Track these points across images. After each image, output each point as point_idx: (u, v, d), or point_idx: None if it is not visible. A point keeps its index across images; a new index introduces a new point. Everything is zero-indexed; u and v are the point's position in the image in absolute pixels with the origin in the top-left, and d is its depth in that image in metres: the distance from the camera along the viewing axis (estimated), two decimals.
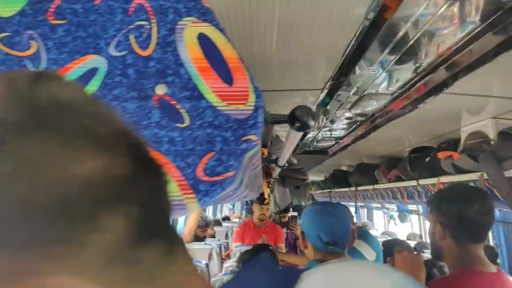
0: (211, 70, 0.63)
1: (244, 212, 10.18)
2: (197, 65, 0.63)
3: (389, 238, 4.67)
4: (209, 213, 7.77)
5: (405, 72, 1.69)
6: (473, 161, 1.92)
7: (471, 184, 2.10)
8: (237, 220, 8.14)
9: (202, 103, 0.64)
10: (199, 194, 0.62)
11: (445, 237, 1.49)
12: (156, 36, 0.63)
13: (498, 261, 3.36)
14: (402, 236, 5.79)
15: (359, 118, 2.80)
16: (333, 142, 3.99)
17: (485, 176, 1.84)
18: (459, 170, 2.17)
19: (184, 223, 4.43)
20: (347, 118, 2.84)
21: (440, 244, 1.51)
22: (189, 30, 0.63)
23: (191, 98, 0.64)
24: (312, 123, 0.72)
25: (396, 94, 2.01)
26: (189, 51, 0.63)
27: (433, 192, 2.57)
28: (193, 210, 0.64)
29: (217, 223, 6.66)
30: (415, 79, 1.74)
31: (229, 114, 0.64)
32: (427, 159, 2.77)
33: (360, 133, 3.36)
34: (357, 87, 1.88)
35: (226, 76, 0.63)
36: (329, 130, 3.38)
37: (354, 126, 3.14)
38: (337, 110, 2.50)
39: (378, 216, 7.83)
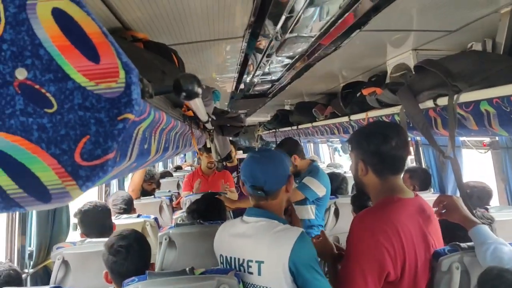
0: (73, 48, 0.59)
1: (196, 159, 10.22)
2: (57, 44, 0.58)
3: (334, 170, 4.87)
4: (159, 164, 7.72)
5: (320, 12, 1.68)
6: (393, 95, 2.00)
7: (395, 116, 2.20)
8: (189, 168, 8.14)
9: (69, 84, 0.59)
10: (80, 180, 0.60)
11: (367, 173, 1.56)
12: (4, 15, 0.57)
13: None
14: (346, 167, 6.08)
15: (290, 61, 2.79)
16: (271, 85, 4.00)
17: (404, 109, 1.92)
18: (384, 104, 2.25)
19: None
20: (278, 61, 2.82)
21: (362, 179, 1.60)
22: (42, 6, 0.57)
23: (56, 80, 0.59)
24: (199, 90, 0.70)
25: (319, 34, 2.00)
26: (45, 29, 0.58)
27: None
28: (77, 196, 0.62)
29: (168, 174, 6.63)
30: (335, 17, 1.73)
31: (100, 94, 0.60)
32: (358, 94, 2.84)
33: (295, 73, 3.37)
34: (277, 31, 1.85)
35: (91, 53, 0.59)
36: (264, 74, 3.37)
37: (287, 67, 3.14)
38: (264, 56, 2.47)
39: (324, 149, 8.13)
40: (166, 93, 0.71)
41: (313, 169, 3.09)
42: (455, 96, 1.53)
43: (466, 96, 1.49)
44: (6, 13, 0.57)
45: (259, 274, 1.47)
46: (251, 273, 1.49)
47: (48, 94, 0.59)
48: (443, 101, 1.62)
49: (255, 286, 1.50)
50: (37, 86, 0.59)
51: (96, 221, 2.36)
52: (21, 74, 0.59)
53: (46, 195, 0.60)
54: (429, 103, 1.72)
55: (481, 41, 1.75)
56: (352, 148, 1.62)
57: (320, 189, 3.00)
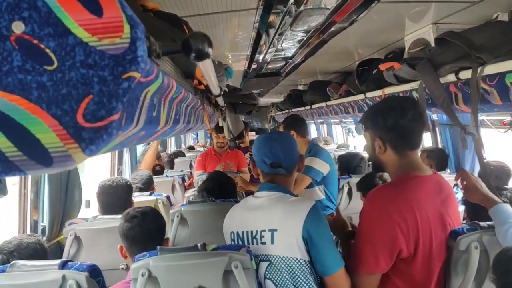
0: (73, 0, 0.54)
1: (208, 140, 10.23)
2: None
3: (344, 151, 4.80)
4: (172, 144, 7.73)
5: None
6: (412, 70, 1.92)
7: (414, 92, 2.13)
8: (201, 149, 8.14)
9: (69, 39, 0.55)
10: (83, 143, 0.56)
11: (386, 150, 1.51)
12: None
13: None
14: (360, 147, 6.00)
15: (305, 35, 2.71)
16: (284, 63, 3.92)
17: (424, 84, 1.85)
18: (402, 80, 2.18)
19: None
20: (292, 36, 2.75)
21: (381, 157, 1.55)
22: None
23: (56, 35, 0.55)
24: (209, 50, 0.65)
25: (335, 6, 1.93)
26: None
27: None
28: (81, 161, 0.58)
29: (180, 153, 6.64)
30: None
31: (103, 50, 0.56)
32: (374, 72, 2.76)
33: (309, 50, 3.29)
34: (291, 3, 1.78)
35: (93, 5, 0.55)
36: (277, 51, 3.30)
37: (301, 44, 3.06)
38: (279, 29, 2.40)
39: (337, 130, 8.03)
40: (175, 53, 0.66)
41: (312, 148, 3.03)
42: (479, 69, 1.45)
43: (491, 68, 1.42)
44: None
45: (272, 242, 1.46)
46: (264, 243, 1.48)
47: (47, 50, 0.55)
48: (465, 74, 1.55)
49: (268, 256, 1.49)
50: (35, 41, 0.55)
51: (115, 197, 2.33)
52: (18, 27, 0.54)
53: (47, 159, 0.56)
54: (451, 77, 1.64)
55: (507, 11, 1.66)
56: (367, 127, 1.57)
57: (324, 166, 2.93)
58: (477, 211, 1.61)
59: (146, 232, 1.68)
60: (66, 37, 0.55)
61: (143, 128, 0.76)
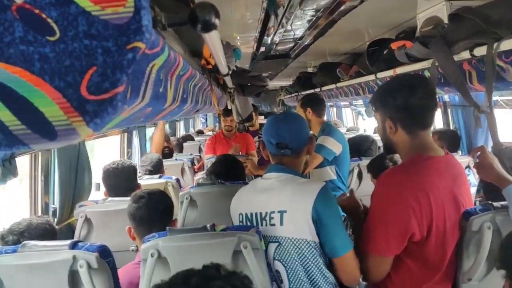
0: None
1: (217, 124, 10.23)
2: None
3: (354, 134, 4.76)
4: (181, 128, 7.75)
5: None
6: (425, 48, 1.87)
7: (426, 72, 2.09)
8: (210, 133, 8.15)
9: (71, 9, 0.53)
10: (87, 116, 0.55)
11: (397, 130, 1.48)
12: None
13: None
14: (370, 130, 5.95)
15: (314, 14, 2.67)
16: (293, 44, 3.87)
17: (437, 62, 1.80)
18: (413, 59, 2.13)
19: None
20: (302, 16, 2.70)
21: (392, 138, 1.51)
22: None
23: (58, 4, 0.53)
24: (216, 21, 0.63)
25: None
26: None
27: None
28: (86, 134, 0.57)
29: (190, 137, 6.65)
30: None
31: (106, 20, 0.54)
32: (385, 52, 2.71)
33: (319, 31, 3.24)
34: None
35: None
36: (286, 32, 3.25)
37: (311, 24, 3.01)
38: (287, 8, 2.36)
39: (347, 113, 7.96)
40: (181, 24, 0.64)
41: (325, 128, 3.00)
42: (495, 44, 1.41)
43: (508, 44, 1.37)
44: None
45: (281, 224, 1.45)
46: (273, 224, 1.47)
47: (49, 20, 0.53)
48: (480, 51, 1.50)
49: (277, 237, 1.48)
50: (37, 11, 0.53)
51: (120, 180, 2.35)
52: None
53: (51, 132, 0.55)
54: (465, 54, 1.60)
55: None
56: (377, 108, 1.54)
57: (336, 146, 2.90)
58: (493, 192, 1.58)
59: (153, 212, 1.69)
60: (68, 6, 0.53)
61: (149, 103, 0.74)
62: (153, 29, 0.60)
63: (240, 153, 4.04)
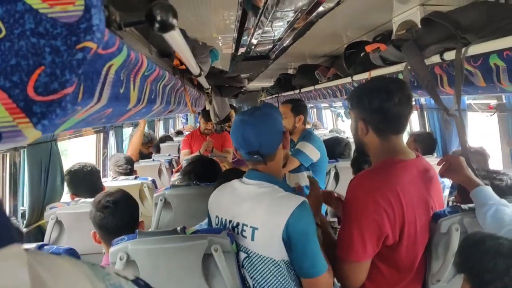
0: None
1: (198, 124, 10.15)
2: None
3: (333, 135, 4.79)
4: (160, 128, 7.67)
5: None
6: (398, 52, 1.89)
7: (399, 75, 2.11)
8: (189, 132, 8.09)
9: (18, 6, 0.51)
10: (34, 118, 0.53)
11: (368, 132, 1.48)
12: None
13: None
14: (349, 132, 5.99)
15: (292, 16, 2.67)
16: (272, 45, 3.87)
17: (409, 66, 1.82)
18: (389, 62, 2.15)
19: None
20: (280, 17, 2.70)
21: (363, 140, 1.51)
22: None
23: (3, 1, 0.51)
24: (174, 21, 0.62)
25: None
26: None
27: None
28: (33, 137, 0.55)
29: (168, 138, 6.59)
30: None
31: (55, 18, 0.52)
32: (361, 54, 2.73)
33: (297, 32, 3.24)
34: None
35: None
36: (264, 33, 3.25)
37: (289, 25, 3.02)
38: (264, 8, 2.35)
39: (327, 115, 8.01)
40: (138, 24, 0.63)
41: (306, 134, 3.02)
42: (463, 49, 1.43)
43: (475, 49, 1.39)
44: None
45: (252, 239, 1.38)
46: (245, 237, 1.40)
47: None
48: (450, 55, 1.52)
49: (247, 250, 1.41)
50: None
51: (85, 181, 2.34)
52: None
53: None
54: (435, 58, 1.62)
55: None
56: (352, 106, 1.52)
57: (315, 153, 2.92)
58: (467, 194, 1.59)
59: (120, 223, 1.66)
60: (14, 3, 0.51)
61: (108, 104, 0.72)
62: (107, 28, 0.58)
63: (214, 149, 4.02)
